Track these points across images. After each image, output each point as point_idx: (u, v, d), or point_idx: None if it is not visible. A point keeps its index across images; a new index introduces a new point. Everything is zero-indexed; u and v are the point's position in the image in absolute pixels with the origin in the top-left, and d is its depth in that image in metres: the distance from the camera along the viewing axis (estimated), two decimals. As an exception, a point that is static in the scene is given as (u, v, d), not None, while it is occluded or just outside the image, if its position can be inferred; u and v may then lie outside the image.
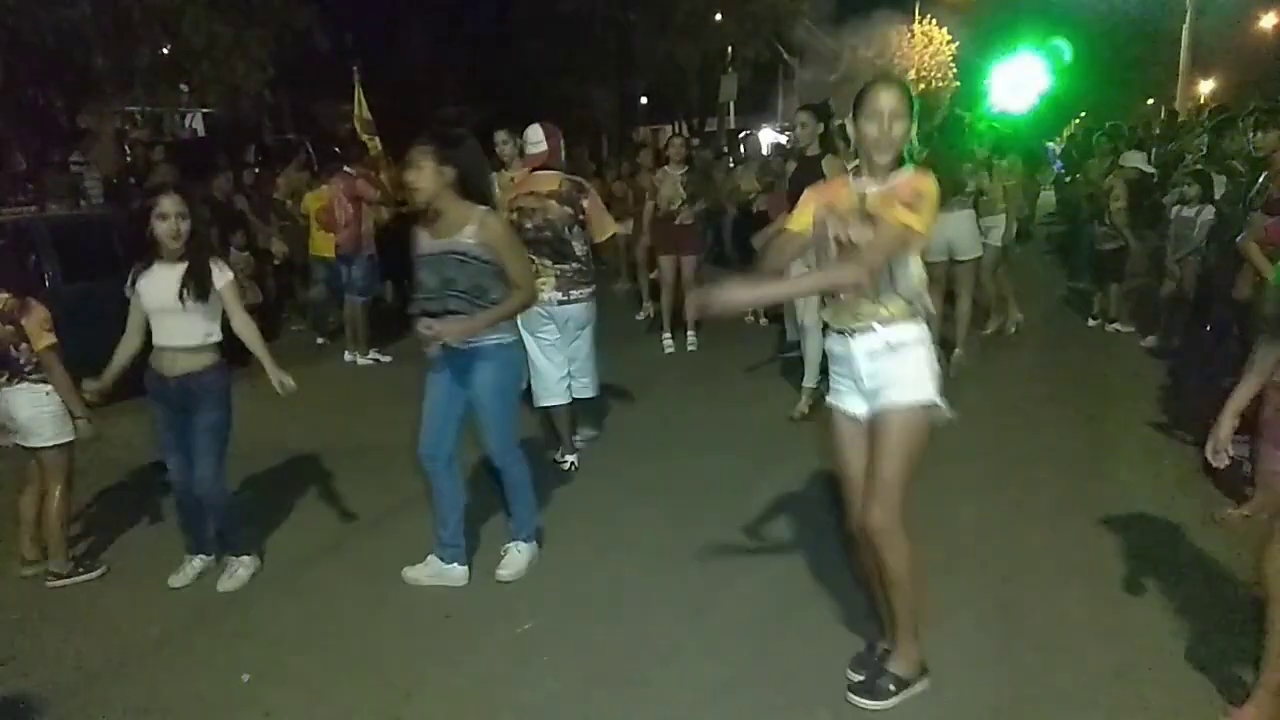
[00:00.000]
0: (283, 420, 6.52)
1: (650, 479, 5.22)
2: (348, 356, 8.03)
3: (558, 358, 5.24)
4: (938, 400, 2.87)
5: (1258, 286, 4.31)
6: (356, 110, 9.88)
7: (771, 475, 5.11)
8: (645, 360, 7.91)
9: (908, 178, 2.84)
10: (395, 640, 3.62)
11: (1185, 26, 22.36)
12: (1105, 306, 8.26)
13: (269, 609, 3.90)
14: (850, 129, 2.89)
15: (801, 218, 3.01)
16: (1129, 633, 3.45)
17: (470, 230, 3.71)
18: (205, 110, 19.71)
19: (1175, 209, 7.27)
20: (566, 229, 5.13)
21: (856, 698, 3.06)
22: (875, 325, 2.85)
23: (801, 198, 3.06)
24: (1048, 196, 15.57)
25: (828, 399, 3.11)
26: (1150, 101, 28.43)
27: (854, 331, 2.89)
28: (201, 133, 21.60)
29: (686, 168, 8.50)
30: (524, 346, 4.07)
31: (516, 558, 4.09)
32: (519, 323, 5.10)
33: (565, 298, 5.12)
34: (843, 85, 24.03)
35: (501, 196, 6.21)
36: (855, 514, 2.99)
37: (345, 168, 8.48)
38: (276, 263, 9.65)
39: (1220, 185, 6.77)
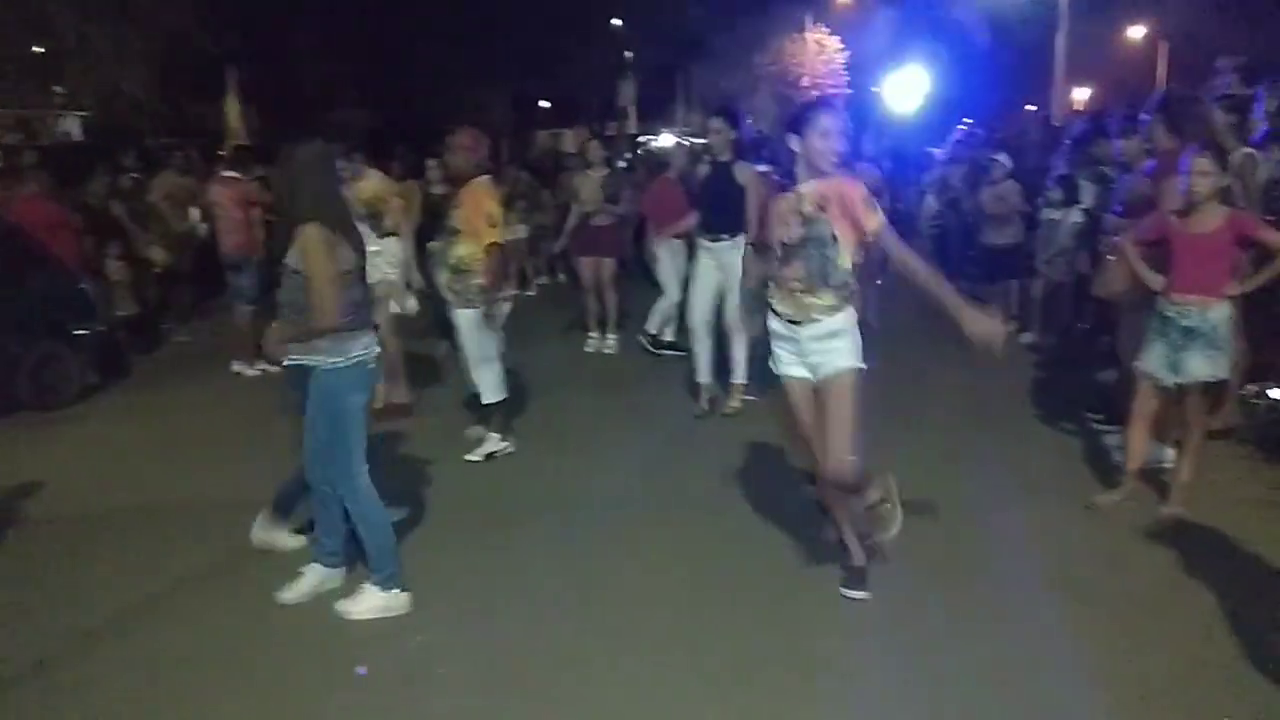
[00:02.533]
0: (167, 434, 6.28)
1: (550, 478, 5.19)
2: (235, 367, 7.75)
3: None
4: (863, 365, 3.56)
5: (1137, 285, 4.53)
6: (230, 113, 9.54)
7: (672, 473, 5.15)
8: (560, 359, 7.90)
9: (839, 183, 3.43)
10: (283, 662, 3.49)
11: (1059, 35, 23.43)
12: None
13: (147, 636, 3.72)
14: (794, 144, 3.45)
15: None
16: (1020, 608, 3.60)
17: (298, 243, 3.59)
18: (81, 114, 18.84)
19: (1044, 212, 7.63)
20: None
21: (850, 590, 3.73)
22: (817, 317, 3.47)
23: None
24: (931, 201, 16.03)
25: (777, 368, 3.68)
26: (1032, 108, 29.68)
27: (801, 323, 3.50)
28: (78, 137, 20.63)
29: (607, 170, 8.55)
30: (365, 371, 3.77)
31: (366, 598, 3.79)
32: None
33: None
34: (738, 90, 24.41)
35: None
36: (819, 453, 3.62)
37: (231, 171, 8.18)
38: (156, 271, 9.25)
39: (1089, 191, 7.11)
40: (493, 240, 5.16)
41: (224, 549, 4.44)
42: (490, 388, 5.44)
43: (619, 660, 3.41)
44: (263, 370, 7.73)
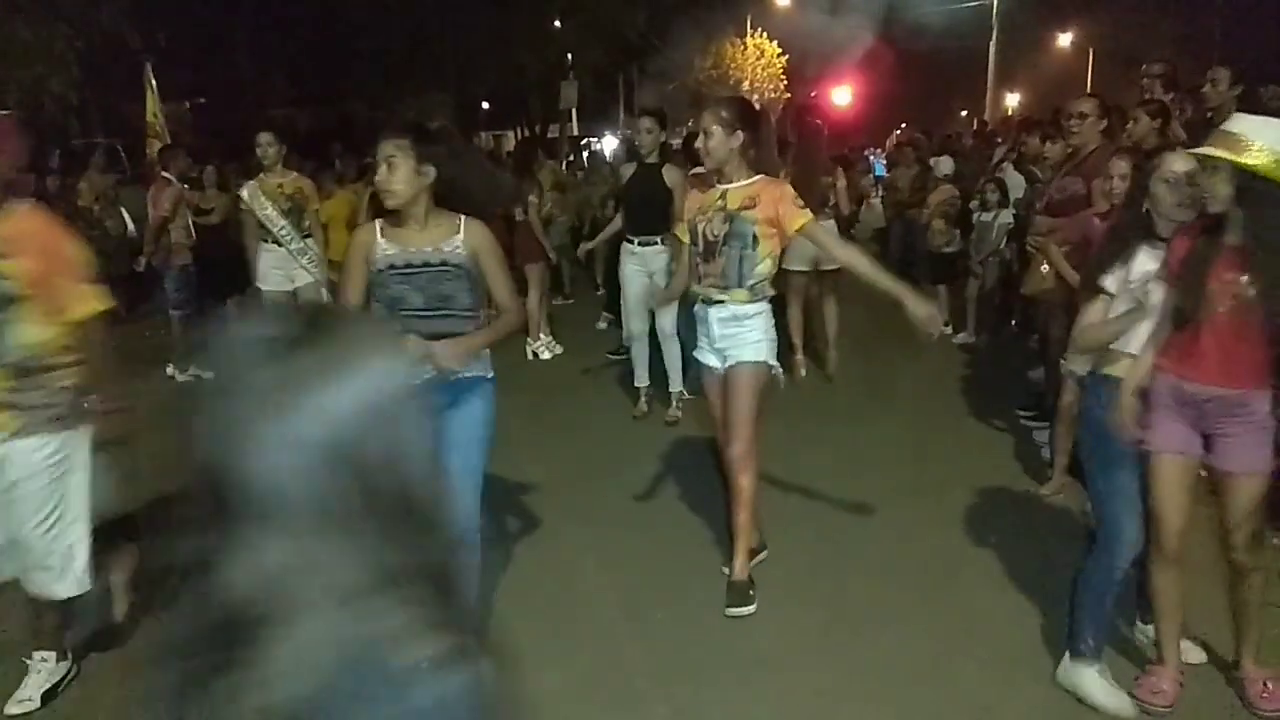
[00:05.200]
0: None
1: (495, 482, 5.16)
2: (169, 371, 7.58)
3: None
4: (772, 361, 3.66)
5: (1061, 284, 4.66)
6: (149, 112, 9.20)
7: (615, 474, 5.16)
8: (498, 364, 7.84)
9: (768, 184, 3.56)
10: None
11: (991, 44, 24.02)
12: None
13: (77, 648, 3.62)
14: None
15: (684, 231, 3.72)
16: (953, 601, 3.68)
17: (458, 239, 3.15)
18: (4, 112, 18.23)
19: (976, 214, 7.80)
20: None
21: (733, 609, 3.61)
22: (725, 300, 3.59)
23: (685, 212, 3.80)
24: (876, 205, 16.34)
25: (695, 354, 3.86)
26: (964, 113, 30.36)
27: (710, 303, 3.63)
28: None
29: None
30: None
31: None
32: None
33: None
34: (680, 94, 24.55)
35: (259, 203, 5.88)
36: (723, 442, 3.74)
37: (164, 173, 7.97)
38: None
39: (1018, 188, 7.30)
40: (92, 309, 2.97)
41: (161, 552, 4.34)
42: (76, 576, 3.12)
43: (560, 662, 3.41)
44: (196, 375, 7.57)
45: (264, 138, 5.89)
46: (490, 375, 3.28)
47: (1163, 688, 2.99)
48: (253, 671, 0.80)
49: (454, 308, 3.13)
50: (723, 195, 3.58)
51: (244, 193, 6.01)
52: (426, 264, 3.10)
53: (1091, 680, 3.04)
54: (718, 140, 3.52)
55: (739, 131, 3.52)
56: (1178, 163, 2.89)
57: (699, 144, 3.60)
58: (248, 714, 0.80)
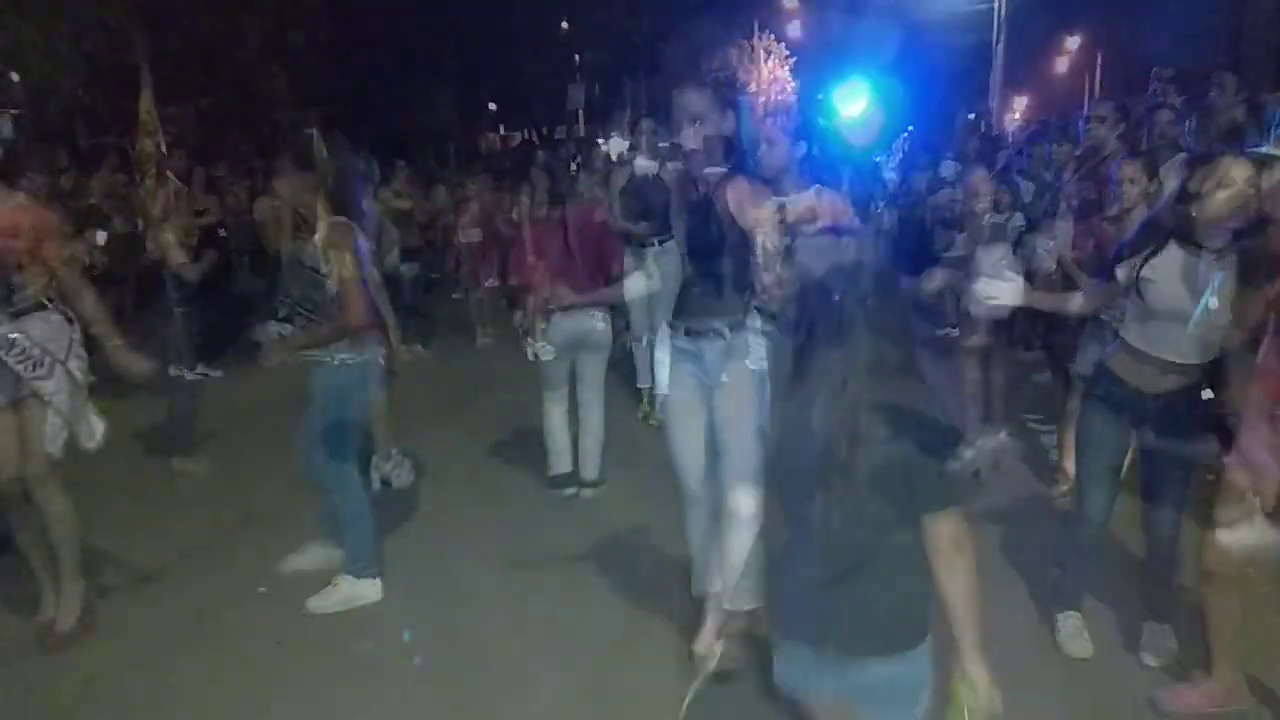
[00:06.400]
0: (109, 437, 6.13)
1: (495, 489, 5.16)
2: (173, 371, 7.57)
3: None
4: None
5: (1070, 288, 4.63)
6: (142, 110, 9.12)
7: (618, 476, 5.15)
8: (499, 360, 7.87)
9: (821, 194, 3.45)
10: (223, 669, 3.43)
11: (998, 47, 23.97)
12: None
13: (76, 647, 3.62)
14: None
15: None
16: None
17: (321, 241, 3.54)
18: (14, 111, 18.31)
19: (987, 215, 7.74)
20: None
21: None
22: None
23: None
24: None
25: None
26: (972, 116, 30.24)
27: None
28: (8, 135, 20.01)
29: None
30: (375, 368, 3.78)
31: (337, 590, 3.84)
32: None
33: None
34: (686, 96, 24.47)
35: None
36: None
37: (166, 173, 7.98)
38: (95, 273, 9.01)
39: (1028, 192, 7.26)
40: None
41: (168, 550, 4.37)
42: None
43: (564, 679, 3.40)
44: (203, 374, 7.58)
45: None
46: (324, 362, 3.62)
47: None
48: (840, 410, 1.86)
49: (304, 307, 3.62)
50: (780, 208, 3.49)
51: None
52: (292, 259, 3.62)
53: (1063, 623, 3.41)
54: (782, 150, 3.54)
55: (801, 142, 3.60)
56: (1238, 168, 2.78)
57: (765, 154, 3.58)
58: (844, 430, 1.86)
